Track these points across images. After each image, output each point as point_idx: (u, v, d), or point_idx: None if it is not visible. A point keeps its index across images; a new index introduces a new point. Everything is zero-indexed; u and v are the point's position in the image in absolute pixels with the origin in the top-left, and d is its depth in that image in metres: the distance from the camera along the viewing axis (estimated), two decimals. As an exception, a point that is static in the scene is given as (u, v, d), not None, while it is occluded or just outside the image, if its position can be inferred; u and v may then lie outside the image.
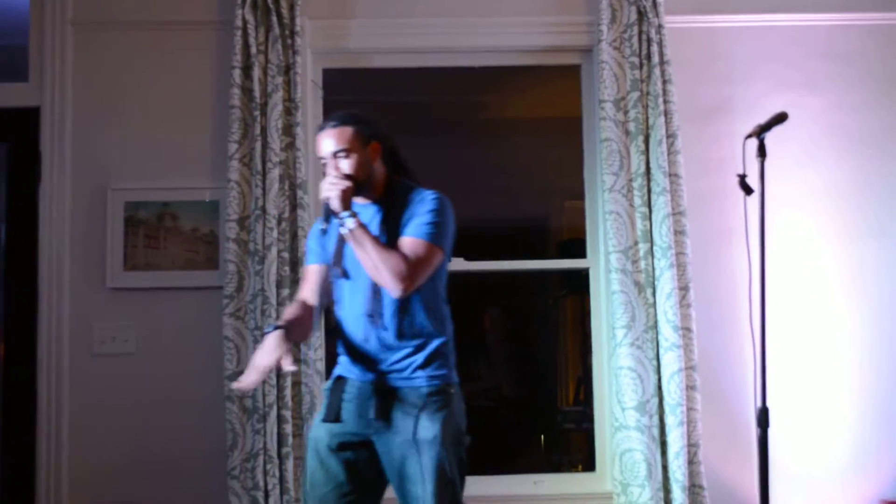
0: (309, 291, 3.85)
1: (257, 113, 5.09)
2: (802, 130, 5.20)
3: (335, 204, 3.58)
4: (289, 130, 5.12)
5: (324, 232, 3.69)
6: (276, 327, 3.59)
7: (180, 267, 5.16)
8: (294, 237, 5.05)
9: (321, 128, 3.76)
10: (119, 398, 5.10)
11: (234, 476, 4.92)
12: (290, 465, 4.92)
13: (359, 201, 3.72)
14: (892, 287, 5.26)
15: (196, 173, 5.20)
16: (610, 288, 5.13)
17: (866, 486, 5.14)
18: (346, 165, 3.67)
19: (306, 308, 3.80)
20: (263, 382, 4.89)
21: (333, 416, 3.68)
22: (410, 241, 3.61)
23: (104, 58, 5.28)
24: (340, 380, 3.74)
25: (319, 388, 4.97)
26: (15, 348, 5.19)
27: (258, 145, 5.07)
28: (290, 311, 3.77)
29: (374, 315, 3.65)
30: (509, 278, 6.70)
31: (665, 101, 5.15)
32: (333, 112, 3.82)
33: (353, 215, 3.59)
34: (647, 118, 5.18)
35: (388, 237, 3.65)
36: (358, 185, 3.67)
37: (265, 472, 4.90)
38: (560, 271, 6.32)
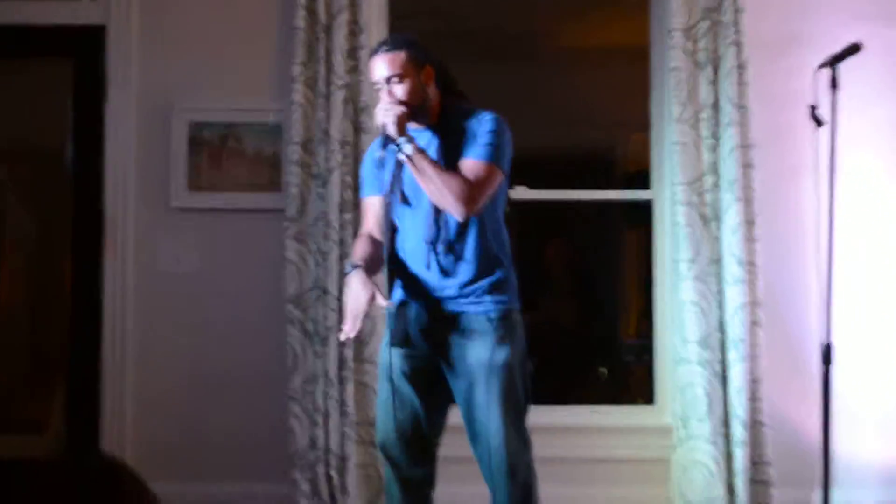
0: (372, 224, 3.83)
1: (322, 34, 5.06)
2: (878, 63, 5.05)
3: (391, 130, 3.54)
4: (353, 53, 5.08)
5: (381, 160, 3.65)
6: (355, 266, 3.60)
7: (243, 188, 5.17)
8: (357, 161, 5.02)
9: (374, 52, 3.70)
10: (182, 317, 5.16)
11: (295, 398, 4.96)
12: (350, 388, 4.94)
13: (413, 126, 3.67)
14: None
15: (260, 95, 5.20)
16: (674, 220, 5.07)
17: (930, 427, 5.07)
18: (401, 90, 3.62)
19: (374, 242, 3.77)
20: (324, 305, 4.91)
21: (400, 341, 3.66)
22: (471, 162, 3.58)
23: (171, -23, 5.27)
24: (404, 304, 3.71)
25: (380, 313, 4.97)
26: (81, 266, 5.24)
27: (322, 67, 5.04)
28: (360, 248, 3.74)
29: (436, 240, 3.63)
30: (573, 209, 6.64)
31: (736, 31, 5.04)
32: (387, 36, 3.76)
33: (411, 140, 3.55)
34: (717, 48, 5.08)
35: (447, 160, 3.61)
36: (413, 110, 3.62)
37: (325, 396, 4.93)
38: (624, 203, 6.26)
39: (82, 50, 5.26)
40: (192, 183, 5.17)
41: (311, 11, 5.08)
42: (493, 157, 3.59)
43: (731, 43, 5.02)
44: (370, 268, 3.66)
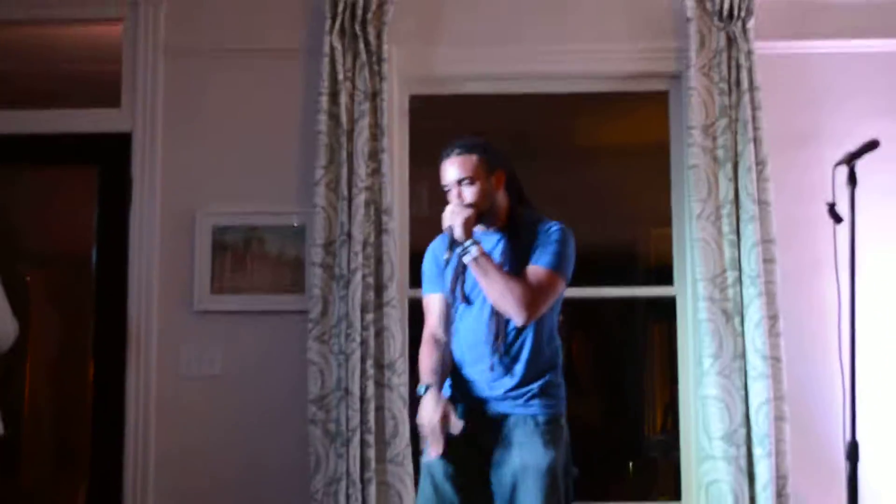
0: (437, 324, 3.87)
1: (344, 139, 5.12)
2: (894, 158, 5.08)
3: (458, 232, 3.62)
4: (375, 156, 5.14)
5: (447, 261, 3.70)
6: (428, 387, 3.65)
7: (266, 291, 5.20)
8: (379, 262, 5.07)
9: (446, 154, 3.78)
10: (204, 419, 5.16)
11: (317, 500, 4.93)
12: (372, 489, 4.92)
13: (480, 229, 3.75)
14: None
15: (283, 199, 5.25)
16: (697, 316, 5.07)
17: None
18: (470, 193, 3.70)
19: (440, 344, 3.82)
20: (346, 407, 4.91)
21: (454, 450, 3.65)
22: (536, 269, 3.65)
23: (194, 84, 5.36)
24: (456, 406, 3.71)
25: (402, 413, 4.97)
26: (104, 369, 5.27)
27: (344, 171, 5.09)
28: (428, 360, 3.77)
29: (495, 342, 3.66)
30: (597, 305, 6.64)
31: (755, 128, 5.08)
32: (458, 139, 3.82)
33: (476, 243, 3.62)
34: (736, 144, 5.11)
35: (511, 265, 3.67)
36: (480, 213, 3.69)
37: (347, 497, 4.90)
38: (648, 298, 6.26)
39: (108, 156, 5.35)
40: (215, 286, 5.21)
41: (333, 116, 5.15)
42: (558, 265, 3.67)
43: (749, 139, 5.06)
44: (441, 378, 3.71)
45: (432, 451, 3.63)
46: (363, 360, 4.97)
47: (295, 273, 5.21)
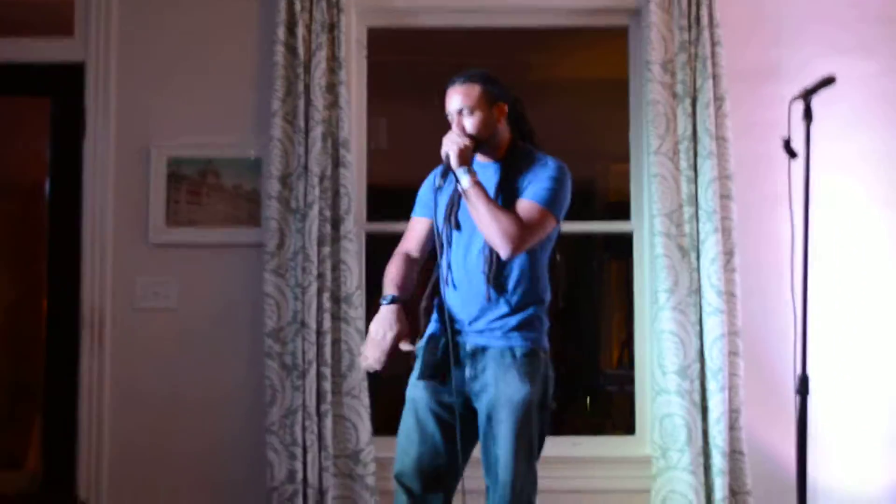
0: (413, 243, 3.92)
1: (301, 71, 5.08)
2: (853, 95, 5.10)
3: (453, 160, 3.63)
4: (332, 89, 5.10)
5: (439, 188, 3.72)
6: (393, 299, 3.69)
7: (222, 224, 5.18)
8: (336, 195, 5.05)
9: (450, 83, 3.78)
10: (160, 352, 5.15)
11: (273, 431, 4.95)
12: (328, 422, 4.94)
13: (480, 160, 3.76)
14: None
15: (239, 131, 5.21)
16: (654, 251, 5.09)
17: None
18: (470, 123, 3.71)
19: (410, 261, 3.88)
20: (303, 340, 4.91)
21: (429, 373, 3.72)
22: (527, 203, 3.65)
23: (149, 14, 5.29)
24: (434, 338, 3.75)
25: (358, 346, 4.98)
26: (58, 303, 5.24)
27: (301, 103, 5.06)
28: (395, 272, 3.82)
29: (484, 273, 3.68)
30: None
31: (713, 64, 5.08)
32: (464, 69, 3.82)
33: (471, 172, 3.63)
34: (695, 81, 5.11)
35: (505, 198, 3.69)
36: (479, 143, 3.71)
37: (304, 429, 4.92)
38: (605, 234, 6.27)
39: (61, 87, 5.27)
40: (170, 219, 5.17)
41: (290, 48, 5.10)
42: (549, 202, 3.67)
43: (708, 76, 5.05)
44: (404, 292, 3.74)
45: (374, 362, 3.68)
46: (319, 293, 4.97)
47: (251, 206, 5.18)
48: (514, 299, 3.70)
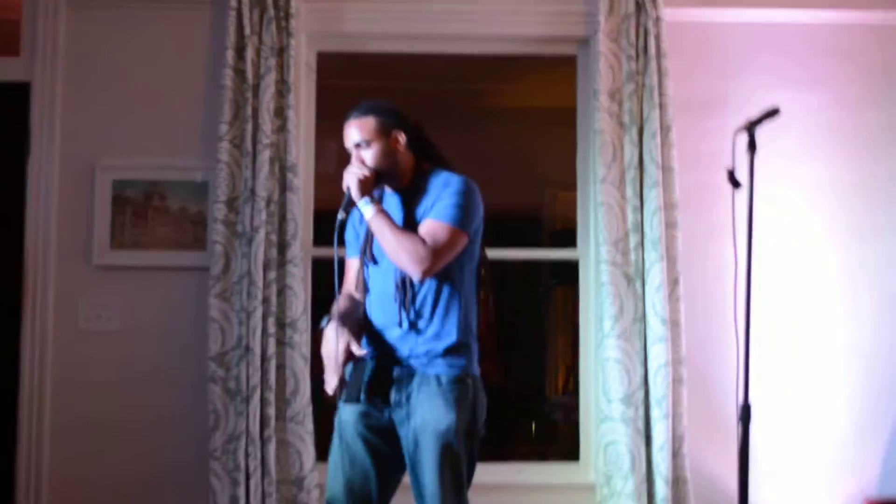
0: (352, 284, 3.92)
1: (249, 94, 5.06)
2: (798, 127, 5.17)
3: (353, 192, 3.68)
4: (280, 113, 5.09)
5: (342, 221, 3.73)
6: (329, 320, 3.70)
7: (167, 247, 5.14)
8: (283, 220, 5.03)
9: (346, 118, 3.81)
10: (103, 375, 5.10)
11: (216, 457, 4.90)
12: (272, 447, 4.91)
13: (389, 190, 3.81)
14: (879, 287, 5.25)
15: (186, 153, 5.18)
16: (599, 279, 5.11)
17: (850, 484, 5.13)
18: (368, 156, 3.74)
19: (353, 301, 3.86)
20: (247, 365, 4.88)
21: (355, 396, 3.71)
22: (431, 224, 3.66)
23: (97, 34, 5.25)
24: (362, 361, 3.74)
25: (303, 372, 4.96)
26: None
27: (249, 127, 5.04)
28: (338, 304, 3.79)
29: (402, 299, 3.70)
30: (501, 267, 6.67)
31: (660, 94, 5.12)
32: (361, 103, 3.84)
33: (374, 202, 3.68)
34: (642, 110, 5.14)
35: (410, 223, 3.71)
36: (379, 174, 3.74)
37: (247, 455, 4.89)
38: (551, 262, 6.30)
39: (6, 106, 5.21)
40: (115, 241, 5.13)
41: (239, 71, 5.09)
42: (455, 219, 3.67)
43: (655, 105, 5.09)
44: (345, 321, 3.71)
45: (330, 383, 3.67)
46: (265, 317, 4.95)
47: (197, 229, 5.15)
48: (436, 326, 3.71)
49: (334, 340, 3.65)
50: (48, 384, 5.08)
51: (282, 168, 5.06)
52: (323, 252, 5.31)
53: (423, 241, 3.61)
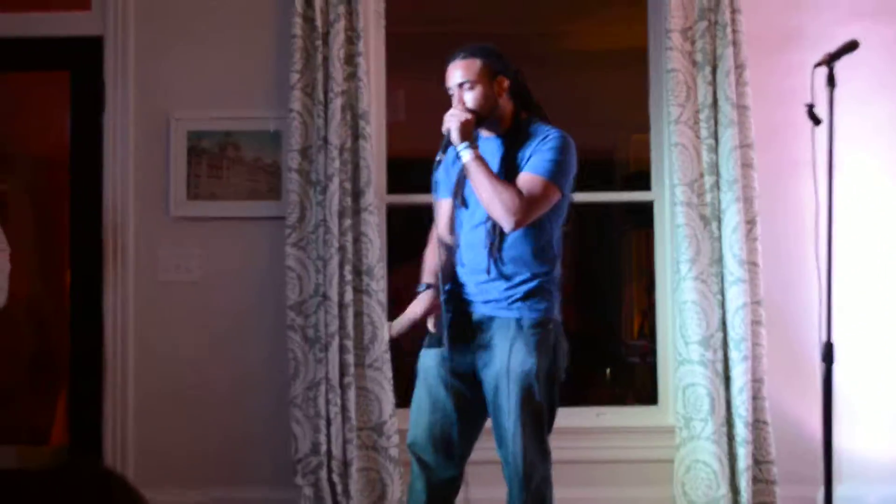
0: (443, 227, 3.90)
1: (319, 42, 5.05)
2: (875, 60, 5.05)
3: (454, 135, 3.64)
4: (351, 60, 5.08)
5: (438, 162, 3.73)
6: (427, 286, 3.77)
7: (243, 197, 5.18)
8: (356, 168, 5.03)
9: (450, 58, 3.77)
10: (183, 325, 5.17)
11: (297, 404, 4.96)
12: (351, 394, 4.95)
13: (483, 134, 3.76)
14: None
15: (258, 103, 5.20)
16: (675, 221, 5.07)
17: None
18: (470, 98, 3.71)
19: (444, 247, 3.86)
20: (325, 313, 4.91)
21: (437, 341, 3.76)
22: (528, 176, 3.64)
23: (167, -14, 5.27)
24: (445, 306, 3.77)
25: (381, 319, 4.98)
26: (81, 275, 5.25)
27: (320, 75, 5.04)
28: (430, 261, 3.86)
29: (490, 245, 3.69)
30: (576, 210, 6.65)
31: (734, 31, 5.03)
32: (464, 44, 3.80)
33: (473, 147, 3.63)
34: (715, 48, 5.06)
35: (508, 172, 3.68)
36: (480, 118, 3.70)
37: (327, 401, 4.93)
38: (626, 204, 6.25)
39: (80, 61, 5.26)
40: (191, 192, 5.18)
41: (308, 20, 5.08)
42: (552, 173, 3.65)
43: (728, 43, 5.01)
44: (443, 280, 3.76)
45: (394, 331, 3.81)
46: (341, 265, 4.97)
47: (272, 179, 5.17)
48: (520, 271, 3.70)
49: (421, 308, 3.75)
50: (130, 334, 5.16)
51: (354, 116, 5.06)
52: (397, 199, 5.32)
53: (520, 192, 3.59)
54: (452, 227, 3.87)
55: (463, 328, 3.74)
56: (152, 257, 5.19)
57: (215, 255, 5.18)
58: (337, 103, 5.01)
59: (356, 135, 5.05)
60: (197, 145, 5.18)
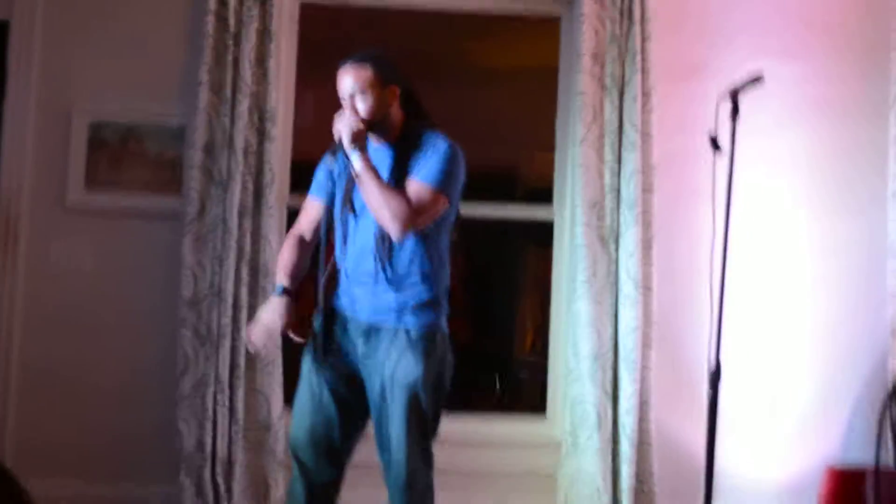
0: (307, 226, 3.89)
1: (231, 42, 5.03)
2: (777, 97, 5.17)
3: (346, 141, 3.61)
4: (262, 62, 5.06)
5: (330, 170, 3.75)
6: (284, 290, 3.72)
7: (143, 191, 5.12)
8: (260, 168, 5.02)
9: (341, 64, 3.74)
10: (73, 316, 5.09)
11: (184, 402, 4.91)
12: (240, 393, 4.93)
13: (374, 142, 3.75)
14: (852, 260, 5.30)
15: (164, 98, 5.15)
16: (574, 241, 5.13)
17: (813, 450, 5.17)
18: (362, 105, 3.68)
19: (303, 245, 3.86)
20: (219, 310, 4.89)
21: (321, 354, 3.74)
22: (416, 184, 3.64)
23: (78, -27, 5.20)
24: (332, 313, 3.77)
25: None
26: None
27: (229, 74, 5.02)
28: (288, 260, 3.82)
29: (379, 254, 3.68)
30: (474, 225, 6.68)
31: (643, 59, 5.13)
32: (357, 51, 3.77)
33: (363, 154, 3.62)
34: (624, 74, 5.15)
35: (397, 180, 3.67)
36: (371, 125, 3.68)
37: (215, 400, 4.90)
38: (525, 223, 6.31)
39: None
40: (90, 183, 5.10)
41: (221, 18, 5.05)
42: (440, 182, 3.65)
43: (637, 70, 5.10)
44: (295, 280, 3.76)
45: (258, 344, 3.76)
46: (238, 264, 4.95)
47: (173, 174, 5.12)
48: (408, 280, 3.71)
49: (280, 314, 3.69)
50: (17, 324, 5.07)
51: (261, 117, 5.04)
52: (299, 201, 5.29)
53: (408, 200, 3.59)
54: (318, 230, 3.87)
55: (339, 342, 3.76)
56: (45, 248, 5.10)
57: (111, 249, 5.11)
58: (245, 104, 4.99)
59: (262, 136, 5.03)
60: (98, 136, 5.11)
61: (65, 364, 5.07)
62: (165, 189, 5.12)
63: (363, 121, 3.66)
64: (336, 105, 3.73)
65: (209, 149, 5.02)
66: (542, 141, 5.63)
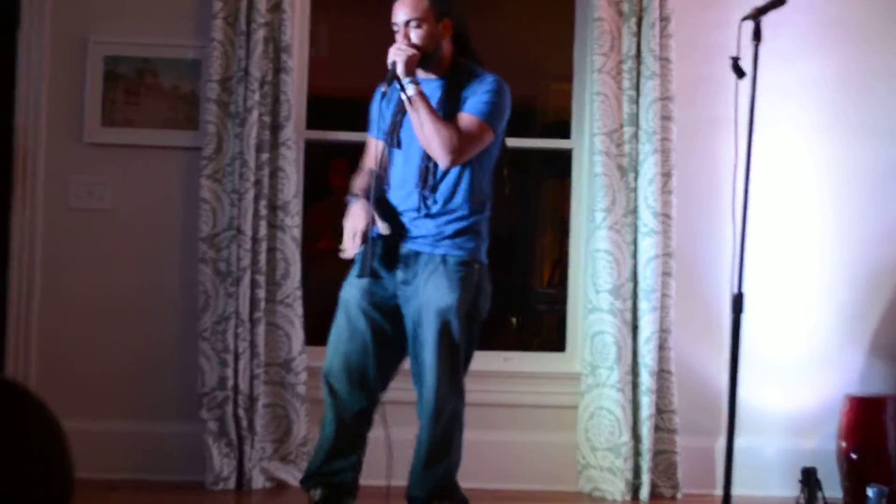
0: (373, 161, 3.97)
1: (243, -29, 4.98)
2: (801, 19, 5.07)
3: (400, 69, 3.71)
4: (275, -9, 5.01)
5: (383, 94, 3.80)
6: (356, 196, 3.83)
7: (159, 125, 5.09)
8: (276, 101, 4.98)
9: None
10: (93, 253, 5.08)
11: (205, 338, 4.92)
12: (261, 329, 4.92)
13: (422, 75, 3.82)
14: (873, 184, 5.24)
15: (179, 31, 5.11)
16: (592, 170, 5.09)
17: (832, 379, 5.15)
18: (416, 35, 3.77)
19: (373, 175, 3.90)
20: (238, 247, 4.87)
21: (367, 272, 3.79)
22: (466, 116, 3.76)
23: None
24: (376, 239, 3.83)
25: (294, 255, 4.95)
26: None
27: (243, 5, 4.95)
28: (360, 181, 3.94)
29: (423, 182, 3.78)
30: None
31: (660, -18, 5.06)
32: None
33: (415, 82, 3.71)
34: (641, -1, 5.08)
35: (447, 112, 3.77)
36: (424, 56, 3.78)
37: (236, 336, 4.90)
38: (543, 153, 6.27)
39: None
40: (106, 118, 5.07)
41: (234, -53, 5.00)
42: (487, 115, 3.78)
43: (655, -6, 5.03)
44: (368, 195, 3.83)
45: (349, 247, 3.79)
46: (256, 200, 4.92)
47: (189, 108, 5.09)
48: (450, 210, 3.80)
49: (359, 215, 3.76)
50: (38, 260, 5.06)
51: (276, 48, 4.99)
52: (316, 135, 5.28)
53: (458, 130, 3.70)
54: (384, 167, 3.94)
55: (392, 261, 3.82)
56: (63, 184, 5.08)
57: (128, 184, 5.09)
58: (259, 34, 4.94)
59: (278, 68, 4.99)
60: (114, 70, 5.07)
61: (85, 300, 5.07)
62: (182, 123, 5.09)
63: (416, 49, 3.73)
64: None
65: (225, 82, 4.98)
66: (558, 71, 5.58)
